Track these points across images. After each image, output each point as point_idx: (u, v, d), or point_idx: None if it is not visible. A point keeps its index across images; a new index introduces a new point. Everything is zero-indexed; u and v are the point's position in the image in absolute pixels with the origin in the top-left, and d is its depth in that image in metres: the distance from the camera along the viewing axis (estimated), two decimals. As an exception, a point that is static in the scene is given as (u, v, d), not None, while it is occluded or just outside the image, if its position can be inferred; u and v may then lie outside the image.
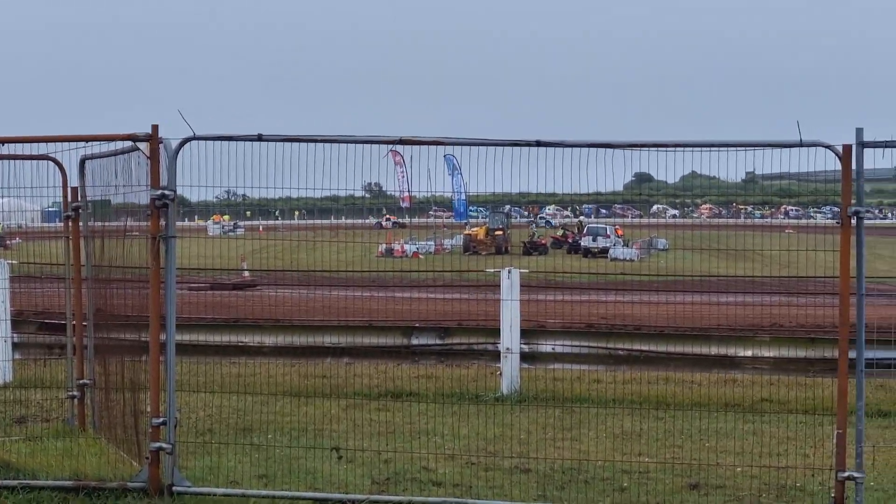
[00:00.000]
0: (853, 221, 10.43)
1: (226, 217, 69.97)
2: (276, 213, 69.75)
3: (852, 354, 10.62)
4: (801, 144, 10.49)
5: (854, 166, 10.38)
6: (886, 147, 10.40)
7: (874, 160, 10.56)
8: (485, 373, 18.68)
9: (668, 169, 11.26)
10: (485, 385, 18.06)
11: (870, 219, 10.78)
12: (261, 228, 65.06)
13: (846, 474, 10.52)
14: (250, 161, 11.25)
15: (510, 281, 18.22)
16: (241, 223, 66.65)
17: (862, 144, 10.41)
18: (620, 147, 11.04)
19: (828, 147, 10.48)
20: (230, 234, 58.38)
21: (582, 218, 78.96)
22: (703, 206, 68.66)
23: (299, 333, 19.12)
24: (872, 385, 17.58)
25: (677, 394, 17.21)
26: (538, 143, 11.02)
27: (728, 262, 37.51)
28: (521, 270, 18.77)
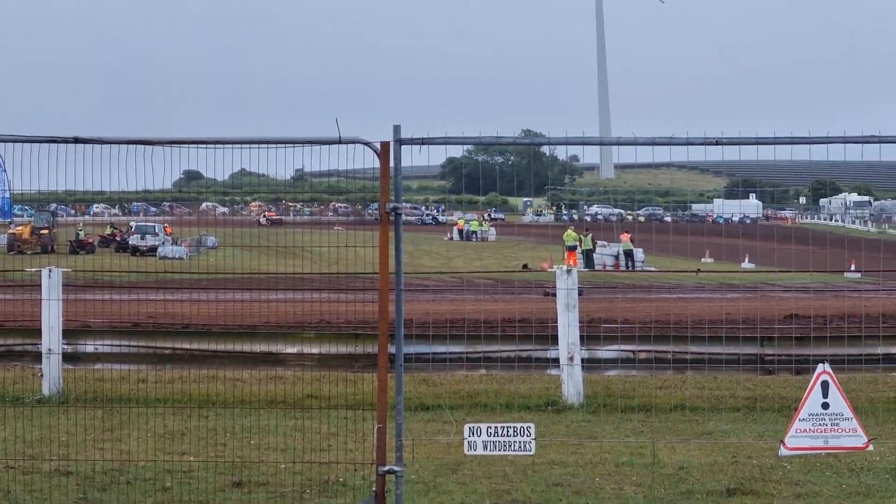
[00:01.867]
0: (392, 217, 10.57)
1: None
2: None
3: (393, 349, 10.81)
4: (340, 141, 10.57)
5: (392, 163, 10.52)
6: (424, 144, 10.59)
7: (411, 157, 10.75)
8: (26, 374, 18.06)
9: (218, 166, 11.17)
10: (25, 387, 17.45)
11: (417, 215, 10.96)
12: None
13: (386, 468, 10.67)
14: None
15: (51, 280, 17.68)
16: None
17: (399, 141, 10.51)
18: (161, 144, 10.84)
19: (366, 144, 10.59)
20: None
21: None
22: (253, 203, 68.88)
23: None
24: (416, 380, 18.06)
25: (223, 392, 17.13)
26: (76, 140, 10.69)
27: (278, 259, 37.71)
28: (64, 269, 18.25)
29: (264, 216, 65.22)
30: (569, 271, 18.14)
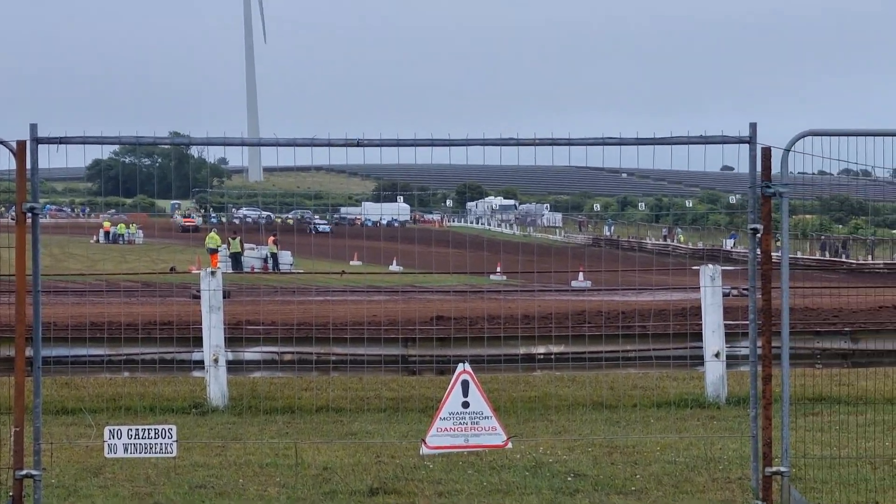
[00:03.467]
0: (28, 218, 10.27)
1: None
2: None
3: (31, 352, 10.52)
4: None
5: (29, 163, 10.22)
6: (62, 143, 10.32)
7: (54, 159, 10.46)
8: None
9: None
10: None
11: (63, 217, 10.66)
12: None
13: (24, 472, 10.42)
14: None
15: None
16: None
17: (36, 140, 10.25)
18: None
19: (2, 143, 10.27)
20: None
21: None
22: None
23: None
24: (58, 383, 17.64)
25: None
26: None
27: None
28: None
29: None
30: (213, 273, 17.99)
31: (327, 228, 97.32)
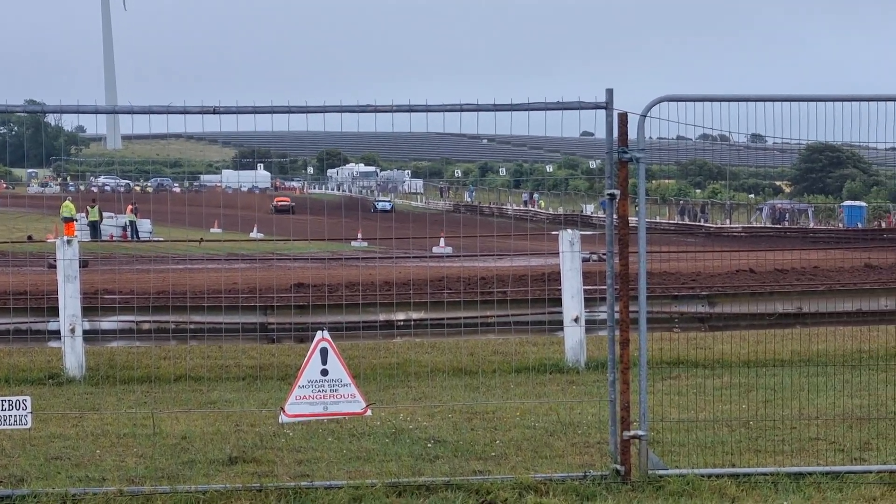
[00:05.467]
0: None
1: None
2: None
3: None
4: None
5: None
6: None
7: None
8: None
9: None
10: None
11: None
12: None
13: None
14: None
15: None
16: None
17: None
18: None
19: None
20: None
21: None
22: None
23: None
24: None
25: None
26: None
27: None
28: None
29: None
30: (69, 242, 17.66)
31: (388, 206, 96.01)
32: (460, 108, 10.77)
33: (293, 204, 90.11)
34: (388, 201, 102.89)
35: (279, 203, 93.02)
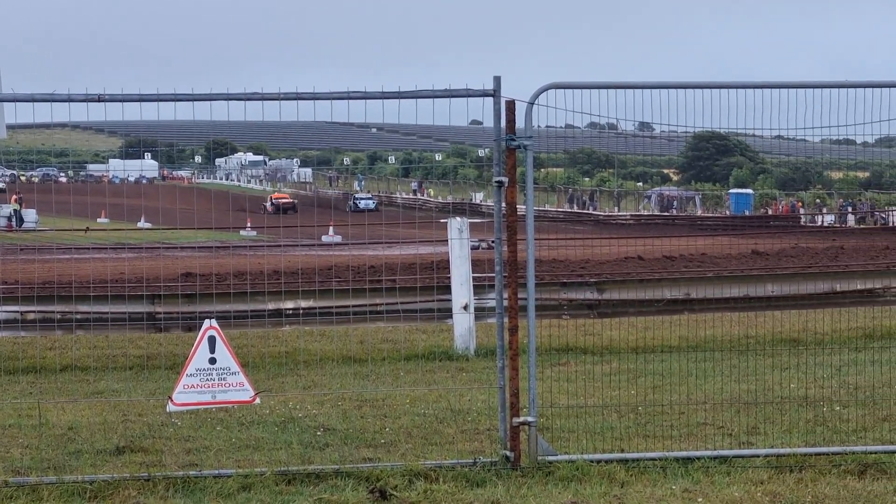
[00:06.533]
0: None
1: None
2: None
3: None
4: None
5: None
6: None
7: None
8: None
9: None
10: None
11: None
12: None
13: None
14: None
15: None
16: None
17: None
18: None
19: None
20: None
21: None
22: None
23: None
24: None
25: None
26: None
27: None
28: None
29: None
30: (-49, 231, 17.36)
31: (371, 204, 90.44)
32: (347, 96, 10.73)
33: (295, 201, 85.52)
34: (370, 198, 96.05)
35: (280, 201, 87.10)
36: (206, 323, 10.84)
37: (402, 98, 10.85)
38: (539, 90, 10.75)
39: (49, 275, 26.37)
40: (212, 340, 10.78)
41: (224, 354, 10.79)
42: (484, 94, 10.78)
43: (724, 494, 10.01)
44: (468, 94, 10.87)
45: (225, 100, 10.60)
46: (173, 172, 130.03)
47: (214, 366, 10.77)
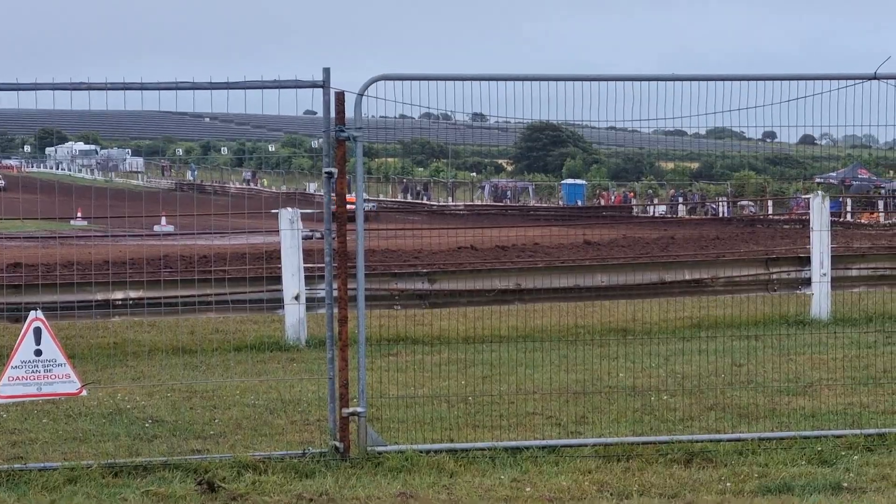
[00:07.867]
0: None
1: None
2: None
3: None
4: None
5: None
6: None
7: None
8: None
9: None
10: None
11: None
12: None
13: None
14: None
15: None
16: None
17: None
18: None
19: None
20: None
21: None
22: None
23: None
24: None
25: None
26: None
27: None
28: None
29: None
30: None
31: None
32: (176, 87, 10.66)
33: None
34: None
35: None
36: (32, 314, 10.69)
37: (230, 88, 10.82)
38: (368, 81, 10.81)
39: None
40: (37, 332, 10.62)
41: (50, 346, 10.65)
42: (313, 85, 10.80)
43: (552, 484, 10.16)
44: (297, 85, 10.89)
45: (51, 89, 10.46)
46: (3, 161, 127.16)
47: (40, 357, 10.62)
